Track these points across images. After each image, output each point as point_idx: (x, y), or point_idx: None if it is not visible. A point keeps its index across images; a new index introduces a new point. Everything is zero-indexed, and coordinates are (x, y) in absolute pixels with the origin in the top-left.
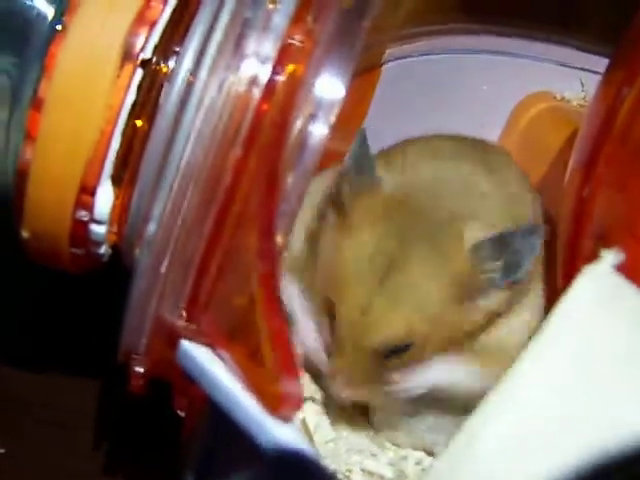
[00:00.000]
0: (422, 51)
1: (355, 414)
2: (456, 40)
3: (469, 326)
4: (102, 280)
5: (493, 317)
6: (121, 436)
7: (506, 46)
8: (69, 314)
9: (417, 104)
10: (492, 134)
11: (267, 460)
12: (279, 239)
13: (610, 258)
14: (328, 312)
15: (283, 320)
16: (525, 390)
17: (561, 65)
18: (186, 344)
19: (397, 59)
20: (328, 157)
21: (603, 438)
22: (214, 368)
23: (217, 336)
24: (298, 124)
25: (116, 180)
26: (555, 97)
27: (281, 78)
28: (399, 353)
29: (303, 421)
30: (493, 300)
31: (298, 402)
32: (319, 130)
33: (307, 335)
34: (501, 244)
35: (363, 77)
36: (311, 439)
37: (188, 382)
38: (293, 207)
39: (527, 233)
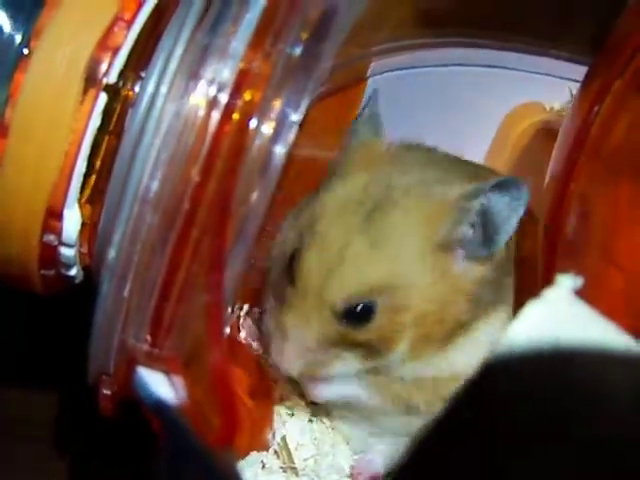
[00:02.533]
0: (409, 64)
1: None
2: (444, 53)
3: (442, 303)
4: (77, 298)
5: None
6: (92, 452)
7: (495, 58)
8: (44, 331)
9: (405, 117)
10: (481, 146)
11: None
12: (239, 264)
13: (567, 283)
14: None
15: (224, 352)
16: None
17: (550, 76)
18: (142, 371)
19: (384, 72)
20: (319, 169)
21: None
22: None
23: (175, 361)
24: (257, 145)
25: (92, 200)
26: (545, 108)
27: (239, 103)
28: (361, 321)
29: (283, 439)
30: (470, 273)
31: (232, 434)
32: (279, 150)
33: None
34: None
35: (348, 90)
36: (290, 457)
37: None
38: (255, 226)
39: (504, 187)
